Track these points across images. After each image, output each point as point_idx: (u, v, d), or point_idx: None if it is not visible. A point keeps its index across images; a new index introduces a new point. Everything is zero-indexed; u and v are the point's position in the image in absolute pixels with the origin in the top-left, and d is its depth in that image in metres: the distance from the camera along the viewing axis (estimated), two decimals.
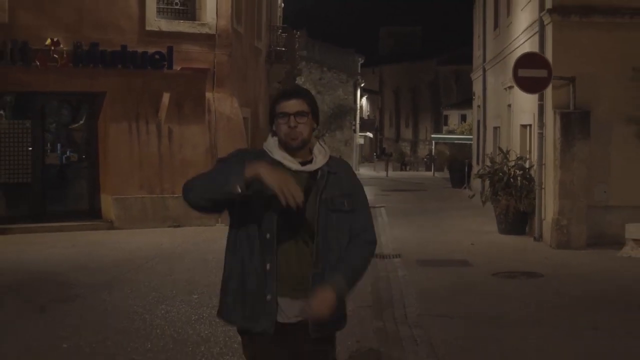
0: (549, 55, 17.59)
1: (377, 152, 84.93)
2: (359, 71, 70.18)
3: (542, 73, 17.05)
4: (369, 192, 36.15)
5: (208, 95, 21.14)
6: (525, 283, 13.13)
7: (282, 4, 36.92)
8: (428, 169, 59.79)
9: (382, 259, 15.56)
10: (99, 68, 20.05)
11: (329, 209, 4.54)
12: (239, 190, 4.25)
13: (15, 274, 13.37)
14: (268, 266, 4.46)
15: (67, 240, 17.70)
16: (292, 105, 4.59)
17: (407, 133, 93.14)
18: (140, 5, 20.61)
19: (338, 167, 4.71)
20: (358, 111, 67.62)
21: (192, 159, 20.68)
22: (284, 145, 4.62)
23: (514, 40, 22.24)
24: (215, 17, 21.31)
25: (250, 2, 26.01)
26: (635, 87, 17.05)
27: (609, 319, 10.40)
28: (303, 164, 4.62)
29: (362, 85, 68.80)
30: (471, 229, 20.23)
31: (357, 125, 66.64)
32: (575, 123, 17.11)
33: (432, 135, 64.98)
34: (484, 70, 29.89)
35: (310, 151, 4.68)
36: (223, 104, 21.57)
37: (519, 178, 19.24)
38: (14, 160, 20.16)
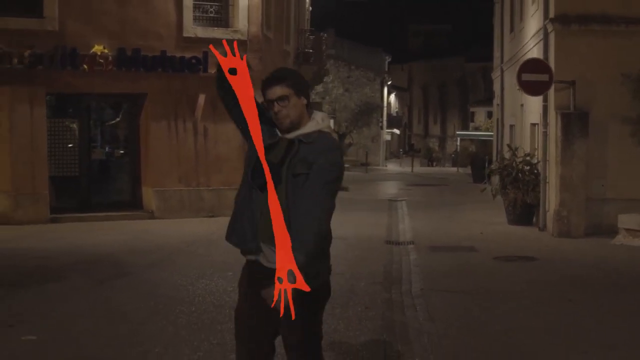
0: (552, 60, 19.21)
1: (404, 148, 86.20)
2: (387, 69, 71.71)
3: (544, 77, 18.67)
4: (394, 187, 38.02)
5: None
6: (521, 265, 14.79)
7: (310, 8, 38.59)
8: (455, 165, 61.22)
9: (397, 246, 17.28)
10: (140, 71, 21.69)
11: (292, 173, 4.95)
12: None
13: (72, 255, 15.12)
14: (255, 213, 5.03)
15: (113, 228, 19.46)
16: (274, 91, 5.03)
17: (435, 129, 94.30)
18: (178, 13, 22.27)
19: (317, 140, 5.06)
20: (385, 108, 69.10)
21: (226, 154, 22.45)
22: (276, 125, 5.09)
23: (525, 44, 23.79)
24: (246, 24, 22.97)
25: (279, 8, 27.68)
26: (627, 90, 18.63)
27: (584, 294, 12.07)
28: (289, 130, 5.09)
29: (389, 82, 70.27)
30: (483, 220, 21.82)
31: (384, 122, 68.15)
32: (575, 123, 18.70)
33: (457, 132, 66.45)
34: (502, 71, 31.39)
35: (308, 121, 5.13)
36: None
37: (526, 173, 20.86)
38: (62, 155, 21.98)
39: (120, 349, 8.58)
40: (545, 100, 19.65)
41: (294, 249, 4.66)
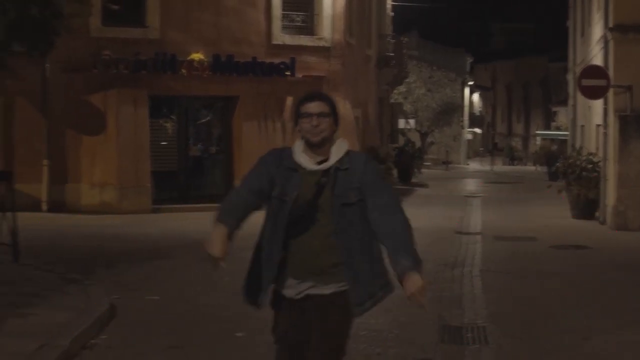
0: (611, 66, 20.80)
1: (486, 147, 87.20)
2: (469, 69, 73.16)
3: (602, 82, 20.35)
4: (471, 184, 39.73)
5: None
6: (572, 252, 16.54)
7: (392, 13, 40.43)
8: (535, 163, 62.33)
9: (467, 235, 19.10)
10: (233, 76, 23.83)
11: (341, 203, 5.14)
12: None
13: (175, 239, 17.24)
14: (277, 255, 5.28)
15: (209, 217, 21.53)
16: (315, 106, 5.18)
17: (518, 128, 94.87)
18: (268, 23, 24.40)
19: (351, 163, 5.23)
20: (466, 108, 70.54)
21: None
22: (307, 143, 5.24)
23: (591, 49, 25.35)
24: (330, 32, 25.02)
25: (362, 15, 29.63)
26: None
27: (620, 275, 13.81)
28: (320, 162, 5.22)
29: (471, 83, 71.75)
30: (548, 215, 23.49)
31: (465, 122, 69.64)
32: (631, 124, 20.28)
33: (537, 132, 67.62)
34: (574, 73, 32.82)
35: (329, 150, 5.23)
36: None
37: (589, 170, 22.40)
38: (162, 152, 24.26)
39: (225, 308, 10.56)
40: (605, 103, 21.25)
41: (405, 254, 5.06)
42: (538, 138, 65.55)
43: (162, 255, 14.94)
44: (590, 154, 23.18)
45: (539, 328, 9.87)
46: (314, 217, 5.17)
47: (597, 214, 22.04)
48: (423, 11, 76.86)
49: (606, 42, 21.19)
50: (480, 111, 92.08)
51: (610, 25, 20.73)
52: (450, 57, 68.84)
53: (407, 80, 51.92)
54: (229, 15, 24.04)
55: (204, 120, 26.03)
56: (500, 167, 61.74)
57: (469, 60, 73.29)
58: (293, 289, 5.27)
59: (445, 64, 66.79)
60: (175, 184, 24.42)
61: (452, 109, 64.17)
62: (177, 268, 13.71)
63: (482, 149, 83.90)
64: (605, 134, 21.32)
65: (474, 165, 65.84)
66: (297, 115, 5.26)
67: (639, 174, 20.25)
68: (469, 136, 74.06)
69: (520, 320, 10.23)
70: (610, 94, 20.71)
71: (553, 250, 16.78)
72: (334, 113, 5.25)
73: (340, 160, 5.21)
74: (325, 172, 5.19)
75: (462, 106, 67.57)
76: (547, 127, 73.27)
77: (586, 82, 20.69)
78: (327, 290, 5.22)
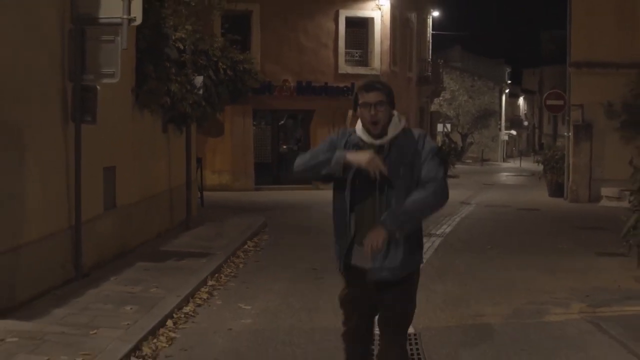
0: (570, 90, 30.19)
1: (515, 148, 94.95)
2: (506, 78, 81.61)
3: (560, 102, 30.01)
4: (496, 177, 48.94)
5: None
6: (529, 212, 25.93)
7: (430, 39, 49.58)
8: None
9: (465, 205, 28.50)
10: (311, 96, 33.39)
11: (392, 174, 5.47)
12: (339, 174, 5.65)
13: (276, 203, 26.91)
14: (351, 219, 5.74)
15: (295, 194, 30.72)
16: (373, 96, 5.53)
17: (563, 130, 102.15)
18: (335, 58, 33.87)
19: (405, 138, 5.58)
20: (503, 113, 79.76)
21: None
22: (367, 130, 5.62)
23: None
24: (379, 63, 34.65)
25: (404, 48, 39.22)
26: (611, 111, 29.40)
27: (541, 220, 23.58)
28: (378, 137, 5.59)
29: (508, 90, 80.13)
30: (534, 195, 32.75)
31: (502, 125, 78.64)
32: (582, 131, 29.69)
33: (565, 134, 76.30)
34: None
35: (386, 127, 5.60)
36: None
37: (559, 162, 31.79)
38: (261, 149, 34.15)
39: (326, 224, 20.36)
40: (568, 116, 30.71)
41: (390, 211, 5.57)
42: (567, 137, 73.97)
43: (275, 208, 24.96)
44: (558, 150, 32.58)
45: (474, 236, 19.72)
46: (370, 189, 5.58)
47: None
48: (467, 25, 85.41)
49: (568, 73, 30.61)
50: (525, 114, 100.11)
51: (570, 61, 30.17)
52: (490, 67, 77.26)
53: (451, 88, 60.69)
54: (308, 54, 33.68)
55: (281, 123, 35.77)
56: (529, 164, 69.82)
57: (507, 70, 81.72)
58: (360, 257, 5.70)
59: (485, 74, 75.07)
60: (269, 172, 34.09)
61: (489, 114, 72.76)
62: (288, 213, 23.84)
63: (514, 148, 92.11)
64: (568, 137, 30.78)
65: (510, 163, 74.43)
66: (356, 102, 5.66)
67: (586, 165, 29.62)
68: (505, 137, 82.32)
69: (467, 234, 20.05)
70: (570, 110, 30.12)
71: (516, 211, 26.24)
72: (390, 100, 5.60)
73: (394, 137, 5.59)
74: (381, 146, 5.58)
75: (499, 112, 76.37)
76: None
77: (550, 102, 30.37)
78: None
